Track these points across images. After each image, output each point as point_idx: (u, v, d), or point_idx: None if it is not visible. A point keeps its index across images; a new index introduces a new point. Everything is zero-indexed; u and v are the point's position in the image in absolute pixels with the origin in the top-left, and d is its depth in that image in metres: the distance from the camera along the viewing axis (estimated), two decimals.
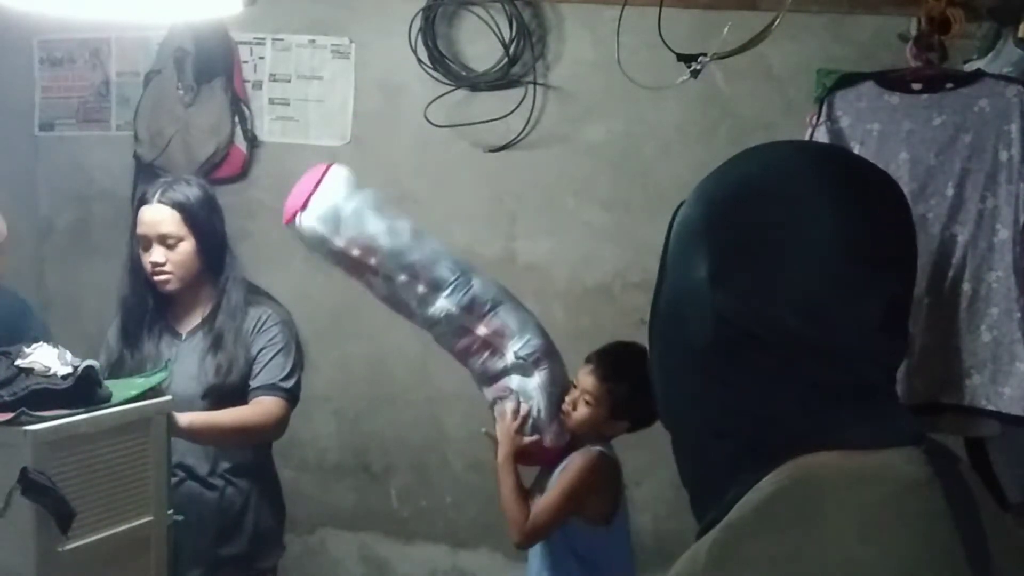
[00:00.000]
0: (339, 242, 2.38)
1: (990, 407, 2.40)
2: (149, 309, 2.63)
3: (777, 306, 0.87)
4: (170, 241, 2.55)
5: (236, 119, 3.52)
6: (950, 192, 2.39)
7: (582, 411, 2.34)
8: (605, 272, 3.39)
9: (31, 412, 1.94)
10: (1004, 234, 2.37)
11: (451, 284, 2.37)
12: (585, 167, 3.31)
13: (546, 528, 2.32)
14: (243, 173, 3.57)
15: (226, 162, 3.54)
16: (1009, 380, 2.37)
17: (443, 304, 2.37)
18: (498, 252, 3.41)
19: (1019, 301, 2.37)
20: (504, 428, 2.41)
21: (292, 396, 2.61)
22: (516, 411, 2.39)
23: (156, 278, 2.57)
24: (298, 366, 2.65)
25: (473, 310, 2.37)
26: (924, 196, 2.40)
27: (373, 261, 2.37)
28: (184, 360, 2.56)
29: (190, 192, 2.61)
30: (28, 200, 3.43)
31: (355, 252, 2.38)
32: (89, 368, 2.09)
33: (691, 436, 0.96)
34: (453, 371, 3.59)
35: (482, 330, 2.38)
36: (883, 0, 3.03)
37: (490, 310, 2.38)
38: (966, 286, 2.40)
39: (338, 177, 2.43)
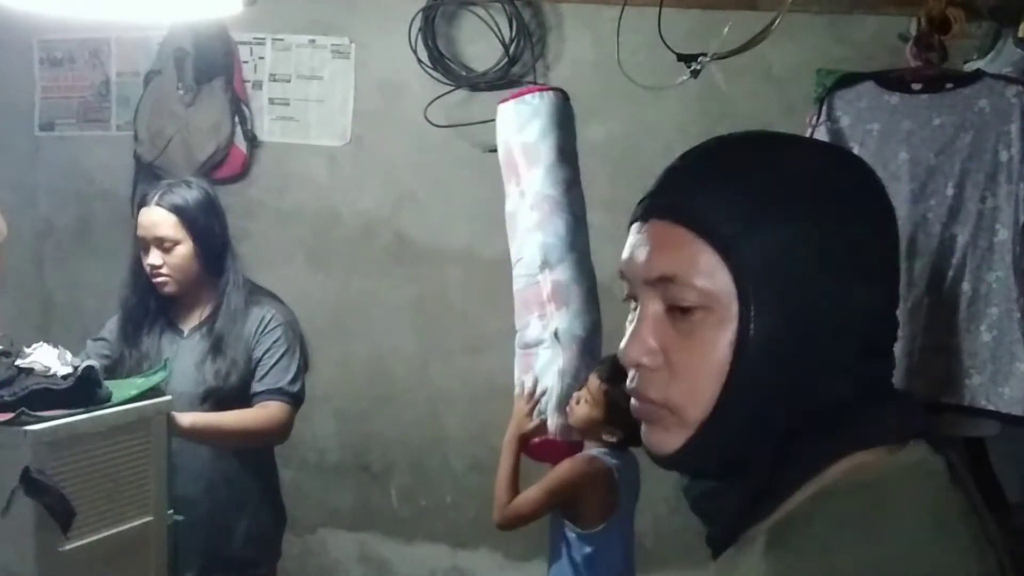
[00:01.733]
0: (518, 138, 2.51)
1: (990, 407, 2.40)
2: (151, 310, 2.64)
3: (887, 310, 0.89)
4: (167, 244, 2.56)
5: (236, 119, 3.52)
6: (950, 192, 2.39)
7: (581, 409, 2.35)
8: (605, 272, 3.39)
9: (31, 412, 1.94)
10: (1004, 234, 2.38)
11: (556, 235, 2.46)
12: (585, 167, 3.31)
13: (522, 518, 2.37)
14: (243, 173, 3.57)
15: (226, 162, 3.54)
16: (1009, 380, 2.37)
17: (536, 240, 2.46)
18: (498, 252, 3.40)
19: (1019, 301, 2.37)
20: (516, 407, 2.44)
21: (297, 400, 2.61)
22: (532, 392, 2.41)
23: (155, 280, 2.58)
24: (302, 368, 2.65)
25: (550, 262, 2.44)
26: (924, 196, 2.40)
27: (525, 174, 2.50)
28: (184, 358, 2.56)
29: (189, 195, 2.61)
30: (28, 200, 3.42)
31: (519, 157, 2.52)
32: (89, 368, 2.09)
33: (749, 474, 0.87)
34: (453, 371, 3.60)
35: (546, 285, 2.42)
36: (883, 0, 3.03)
37: (562, 272, 2.45)
38: (966, 286, 2.40)
39: (561, 108, 2.55)
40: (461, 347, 3.47)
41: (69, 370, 2.07)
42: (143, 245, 2.58)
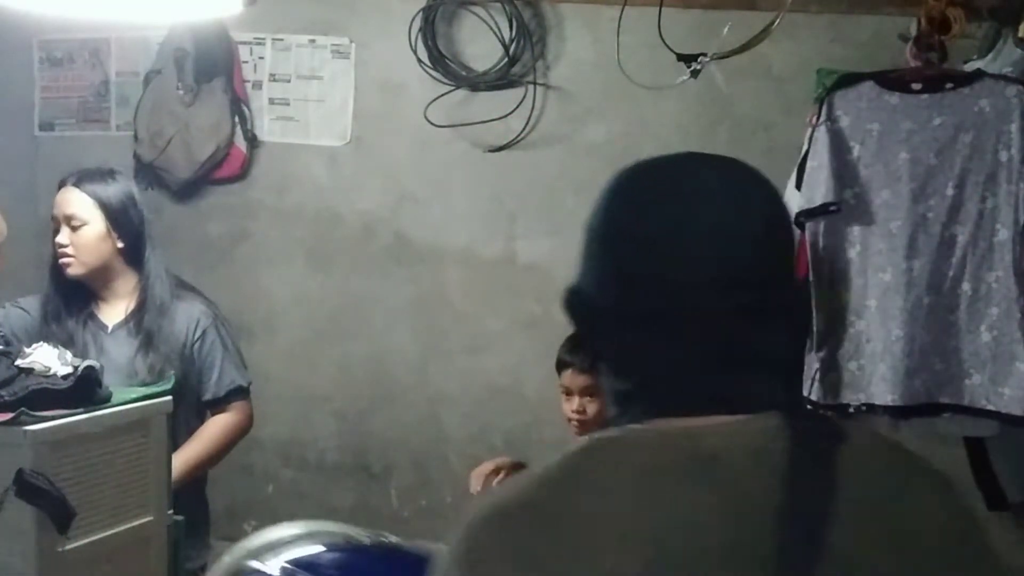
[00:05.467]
0: None
1: (990, 407, 2.40)
2: (67, 298, 2.62)
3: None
4: (75, 223, 2.56)
5: (236, 119, 3.52)
6: (950, 192, 2.39)
7: (594, 407, 2.34)
8: None
9: (31, 412, 1.94)
10: (1004, 234, 2.38)
11: None
12: (585, 167, 3.31)
13: None
14: (243, 173, 3.57)
15: (226, 162, 3.54)
16: (1009, 380, 2.37)
17: None
18: (498, 252, 3.41)
19: (1019, 301, 2.37)
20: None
21: (249, 388, 2.72)
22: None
23: (60, 260, 2.58)
24: (240, 355, 2.73)
25: None
26: (924, 196, 2.40)
27: None
28: (112, 354, 2.54)
29: (107, 181, 2.64)
30: (28, 200, 3.42)
31: None
32: (89, 368, 2.08)
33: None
34: (453, 371, 3.60)
35: None
36: (883, 0, 3.03)
37: None
38: (966, 286, 2.40)
39: None
40: (461, 347, 3.46)
41: (69, 370, 2.06)
42: (54, 225, 2.59)
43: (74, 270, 2.58)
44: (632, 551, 0.85)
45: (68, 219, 2.56)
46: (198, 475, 2.63)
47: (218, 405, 2.68)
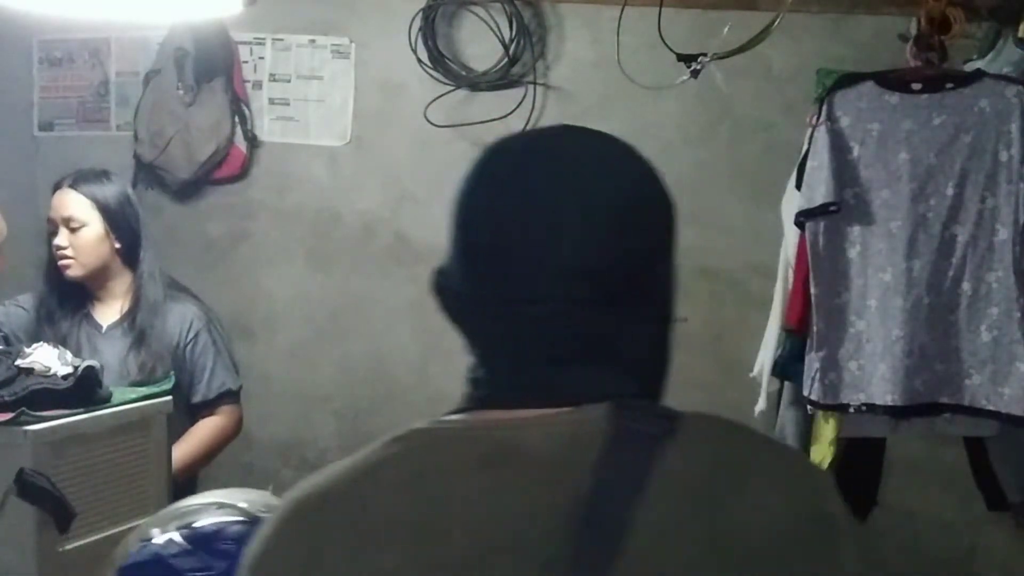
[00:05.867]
0: None
1: (990, 407, 2.40)
2: (63, 298, 2.63)
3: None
4: (74, 224, 2.57)
5: (236, 119, 3.52)
6: (950, 192, 2.39)
7: None
8: None
9: (31, 412, 1.94)
10: (1004, 234, 2.37)
11: None
12: None
13: None
14: (243, 173, 3.57)
15: (226, 162, 3.53)
16: (1009, 380, 2.37)
17: None
18: None
19: (1019, 301, 2.37)
20: None
21: (240, 392, 2.74)
22: None
23: (59, 262, 2.59)
24: (232, 358, 2.75)
25: None
26: (924, 196, 2.40)
27: None
28: (105, 353, 2.55)
29: (104, 182, 2.66)
30: (28, 200, 3.42)
31: None
32: (89, 368, 2.09)
33: None
34: (453, 371, 3.58)
35: None
36: (883, 0, 3.03)
37: None
38: (966, 286, 2.40)
39: None
40: (461, 347, 3.46)
41: (69, 370, 2.06)
42: (52, 227, 2.59)
43: (74, 272, 2.58)
44: (415, 549, 0.84)
45: (67, 221, 2.57)
46: (186, 477, 2.63)
47: (207, 408, 2.70)
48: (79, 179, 2.62)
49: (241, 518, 1.33)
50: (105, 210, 2.60)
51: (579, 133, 0.99)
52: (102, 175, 2.68)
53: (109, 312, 2.65)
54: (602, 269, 0.89)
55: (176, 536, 1.31)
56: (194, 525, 1.33)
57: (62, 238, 2.57)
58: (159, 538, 1.31)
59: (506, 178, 0.94)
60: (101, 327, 2.63)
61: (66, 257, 2.57)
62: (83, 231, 2.57)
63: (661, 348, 0.96)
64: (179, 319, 2.65)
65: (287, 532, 0.89)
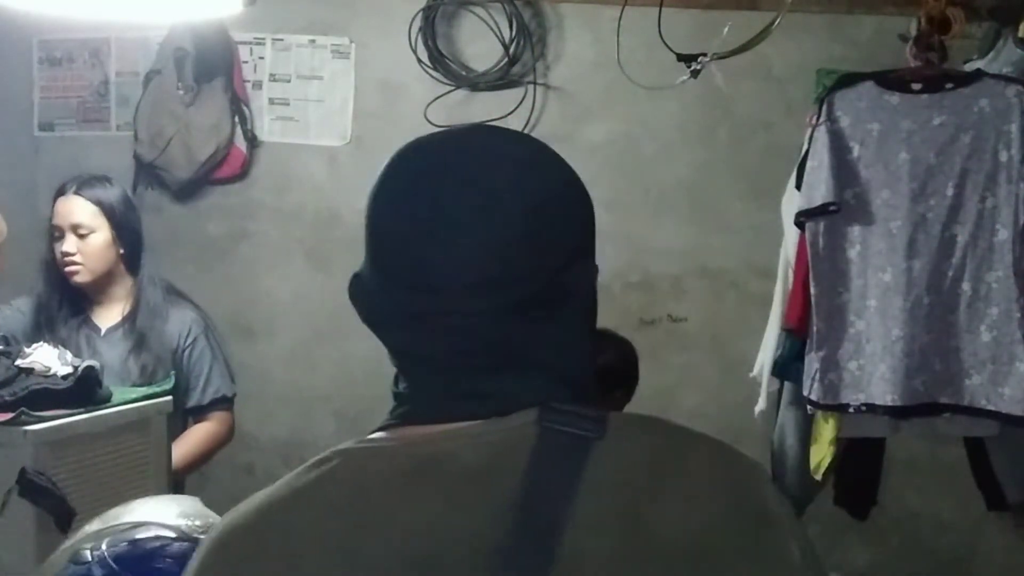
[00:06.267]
0: None
1: (990, 407, 2.40)
2: (63, 302, 2.64)
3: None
4: (82, 231, 2.58)
5: (236, 119, 3.51)
6: (950, 192, 2.39)
7: None
8: (605, 272, 3.36)
9: (31, 412, 1.94)
10: (1004, 234, 2.37)
11: None
12: (585, 167, 3.30)
13: None
14: (243, 173, 3.57)
15: (226, 162, 3.53)
16: (1009, 380, 2.37)
17: None
18: None
19: (1019, 301, 2.37)
20: None
21: (234, 399, 2.76)
22: None
23: (66, 268, 2.59)
24: (227, 364, 2.76)
25: None
26: (924, 196, 2.40)
27: None
28: (104, 357, 2.55)
29: (108, 188, 2.67)
30: (28, 200, 3.42)
31: None
32: (89, 368, 2.09)
33: None
34: None
35: None
36: (883, 0, 3.03)
37: None
38: (966, 286, 2.40)
39: None
40: None
41: (69, 370, 2.06)
42: (57, 233, 2.60)
43: (81, 278, 2.59)
44: (345, 571, 0.83)
45: (75, 228, 2.58)
46: (174, 480, 2.63)
47: (200, 413, 2.71)
48: (84, 185, 2.62)
49: (173, 535, 1.28)
50: (111, 216, 2.61)
51: (491, 134, 0.96)
52: (104, 180, 2.69)
53: (108, 315, 2.66)
54: (515, 276, 0.86)
55: (107, 556, 1.24)
56: (125, 544, 1.26)
57: (70, 244, 2.57)
58: (87, 558, 1.24)
59: (412, 182, 0.89)
60: (100, 330, 2.64)
61: (75, 264, 2.58)
62: (92, 237, 2.59)
63: (585, 350, 0.93)
64: (178, 323, 2.66)
65: (214, 564, 0.88)
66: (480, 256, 0.86)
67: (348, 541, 0.84)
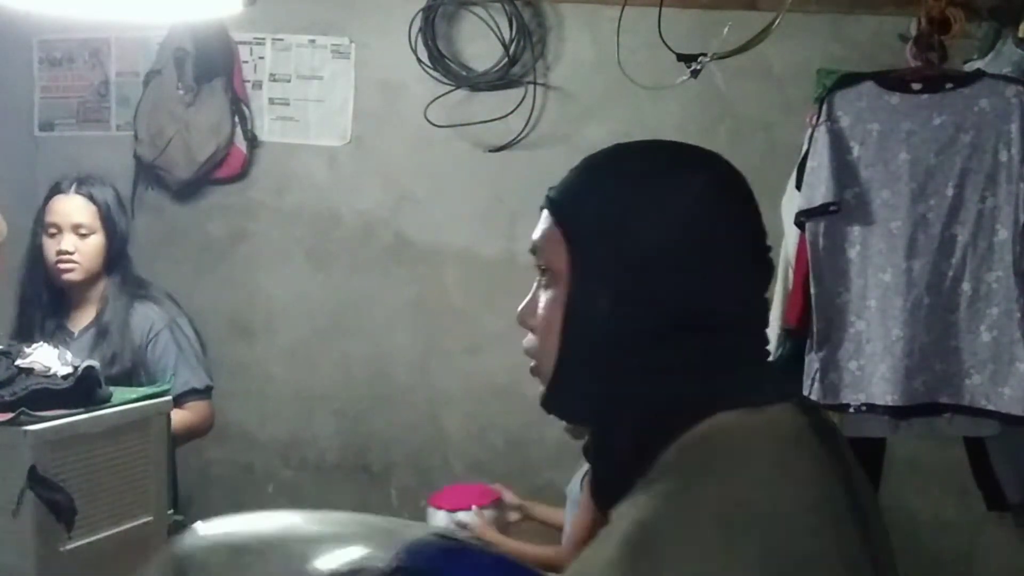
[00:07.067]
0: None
1: (990, 407, 2.40)
2: (43, 304, 2.65)
3: (702, 293, 0.99)
4: (83, 231, 2.60)
5: (236, 119, 3.51)
6: (950, 192, 2.39)
7: None
8: None
9: (31, 412, 1.94)
10: (1004, 234, 2.37)
11: None
12: None
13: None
14: (243, 173, 3.57)
15: (226, 162, 3.53)
16: (1009, 380, 2.37)
17: None
18: (498, 252, 3.41)
19: (1019, 301, 2.37)
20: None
21: (208, 390, 2.76)
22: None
23: (61, 266, 2.60)
24: (199, 357, 2.77)
25: None
26: (924, 196, 2.40)
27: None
28: (77, 355, 2.57)
29: (104, 189, 2.70)
30: (28, 200, 3.41)
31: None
32: (89, 368, 2.09)
33: (616, 427, 1.01)
34: (453, 371, 3.60)
35: None
36: (883, 0, 3.03)
37: None
38: (966, 286, 2.40)
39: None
40: (461, 347, 3.46)
41: (69, 370, 2.07)
42: (53, 230, 2.60)
43: (75, 276, 2.60)
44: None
45: (76, 227, 2.59)
46: None
47: (178, 402, 2.69)
48: (84, 184, 2.64)
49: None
50: (107, 218, 2.63)
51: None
52: (100, 181, 2.71)
53: (82, 318, 2.69)
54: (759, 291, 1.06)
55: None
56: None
57: (67, 243, 2.58)
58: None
59: (745, 189, 1.08)
60: (73, 334, 2.66)
61: (72, 262, 2.59)
62: (91, 239, 2.60)
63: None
64: (141, 319, 2.68)
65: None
66: (748, 276, 1.06)
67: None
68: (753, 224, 1.04)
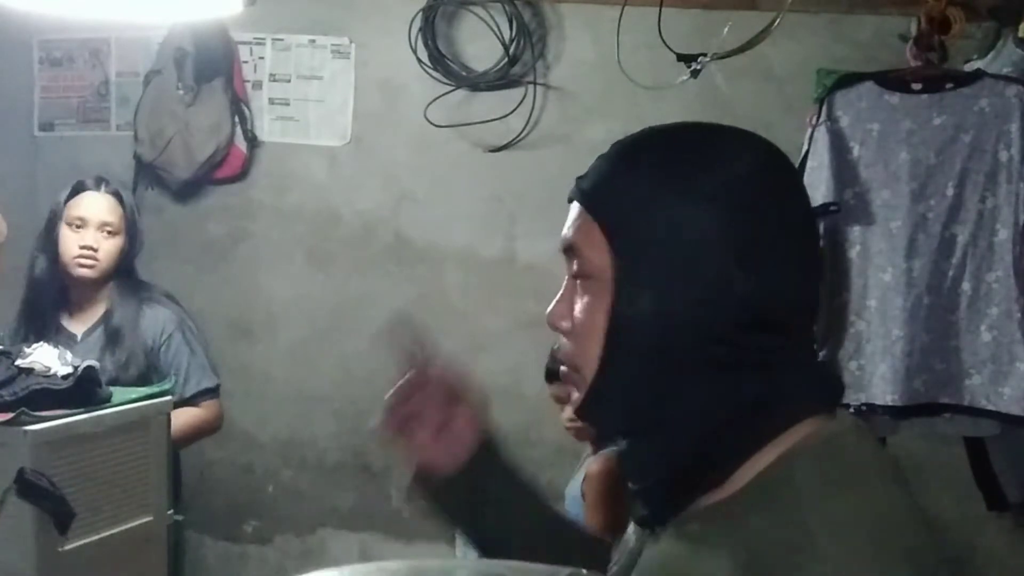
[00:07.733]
0: None
1: (990, 407, 2.40)
2: (48, 301, 2.66)
3: (780, 291, 0.90)
4: (109, 229, 2.61)
5: (236, 119, 3.51)
6: (950, 192, 2.39)
7: (566, 414, 2.34)
8: None
9: (31, 412, 1.94)
10: (1004, 234, 2.38)
11: None
12: (585, 167, 3.31)
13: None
14: (243, 173, 3.57)
15: (226, 162, 3.53)
16: (1009, 380, 2.37)
17: None
18: (498, 252, 3.41)
19: (1019, 301, 2.37)
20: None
21: (218, 389, 2.80)
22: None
23: (81, 261, 2.60)
24: (207, 356, 2.80)
25: None
26: (924, 196, 2.40)
27: None
28: (83, 357, 2.57)
29: (127, 195, 2.76)
30: (28, 200, 3.42)
31: None
32: (89, 368, 2.09)
33: (672, 438, 0.91)
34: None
35: None
36: (883, 0, 3.03)
37: None
38: (966, 286, 2.40)
39: None
40: (461, 347, 3.46)
41: (69, 370, 2.07)
42: (79, 224, 2.61)
43: (92, 273, 2.62)
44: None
45: (104, 224, 2.60)
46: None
47: (185, 405, 2.73)
48: (110, 184, 2.66)
49: None
50: (131, 222, 2.67)
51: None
52: (120, 186, 2.75)
53: (85, 320, 2.69)
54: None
55: None
56: None
57: (91, 239, 2.60)
58: None
59: (790, 176, 1.02)
60: (76, 336, 2.66)
61: (93, 259, 2.60)
62: (115, 239, 2.62)
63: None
64: (152, 322, 2.69)
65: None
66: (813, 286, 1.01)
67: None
68: (805, 206, 0.96)
